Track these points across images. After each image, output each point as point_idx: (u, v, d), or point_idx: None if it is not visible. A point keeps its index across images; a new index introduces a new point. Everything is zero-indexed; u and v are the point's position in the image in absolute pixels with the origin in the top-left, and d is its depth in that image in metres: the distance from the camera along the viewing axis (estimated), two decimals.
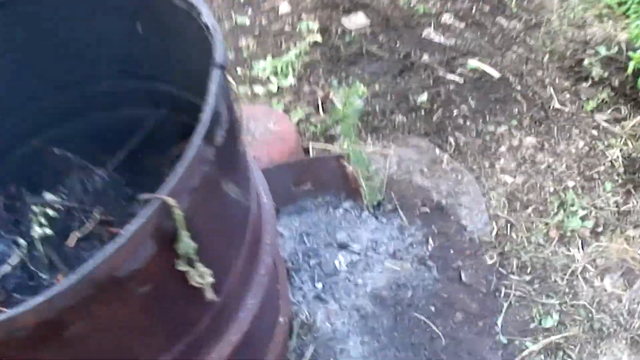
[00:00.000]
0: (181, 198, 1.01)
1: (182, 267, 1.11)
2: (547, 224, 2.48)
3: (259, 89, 3.08)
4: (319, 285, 2.25)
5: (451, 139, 2.78)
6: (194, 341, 1.32)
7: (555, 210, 2.51)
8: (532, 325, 2.24)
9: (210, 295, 1.21)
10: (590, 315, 2.24)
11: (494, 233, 2.49)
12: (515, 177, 2.65)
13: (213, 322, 1.34)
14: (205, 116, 1.03)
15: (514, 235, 2.48)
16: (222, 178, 1.20)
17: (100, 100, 1.81)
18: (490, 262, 2.40)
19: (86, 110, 1.83)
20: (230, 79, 2.97)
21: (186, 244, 1.05)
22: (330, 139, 2.81)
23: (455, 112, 2.84)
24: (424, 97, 2.88)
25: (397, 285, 2.20)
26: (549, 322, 2.24)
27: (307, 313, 2.16)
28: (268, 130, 2.39)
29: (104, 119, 1.86)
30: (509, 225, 2.51)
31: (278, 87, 3.08)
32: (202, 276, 1.17)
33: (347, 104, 2.42)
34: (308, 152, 2.78)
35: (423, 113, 2.86)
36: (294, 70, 3.11)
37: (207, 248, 1.20)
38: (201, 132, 1.02)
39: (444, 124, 2.82)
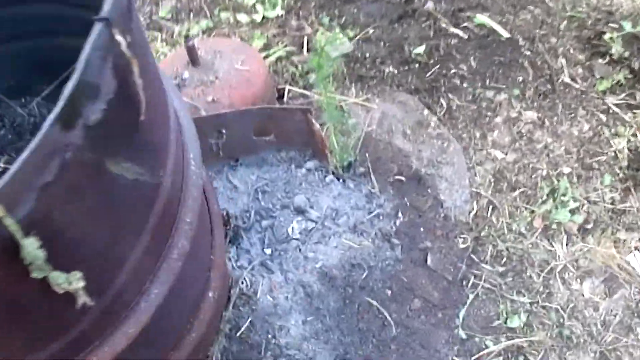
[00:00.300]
0: (22, 199, 0.76)
1: (38, 274, 0.87)
2: (532, 211, 2.23)
3: (242, 18, 2.76)
4: (268, 251, 2.02)
5: (443, 101, 2.49)
6: (74, 340, 1.11)
7: (545, 197, 2.25)
8: (496, 323, 2.04)
9: (82, 299, 0.98)
10: (561, 320, 2.04)
11: (472, 214, 2.25)
12: (507, 153, 2.38)
13: (97, 321, 1.12)
14: (66, 92, 0.77)
15: (494, 219, 2.24)
16: (109, 158, 0.94)
17: (28, 26, 1.53)
18: (462, 246, 2.17)
19: (14, 36, 1.56)
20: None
21: (31, 254, 0.81)
22: (311, 84, 2.52)
23: (452, 70, 2.54)
24: (420, 49, 2.57)
25: (350, 265, 1.98)
26: (515, 322, 2.04)
27: (248, 281, 1.95)
28: (234, 69, 2.10)
29: (38, 46, 1.59)
30: (490, 207, 2.27)
31: (263, 18, 2.76)
32: (67, 281, 0.94)
33: (326, 48, 2.11)
34: (283, 95, 2.50)
35: (417, 67, 2.56)
36: (283, 0, 2.78)
37: (81, 246, 0.97)
38: (55, 113, 0.75)
39: (439, 82, 2.53)
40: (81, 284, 0.96)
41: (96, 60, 0.81)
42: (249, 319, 1.92)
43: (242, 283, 1.94)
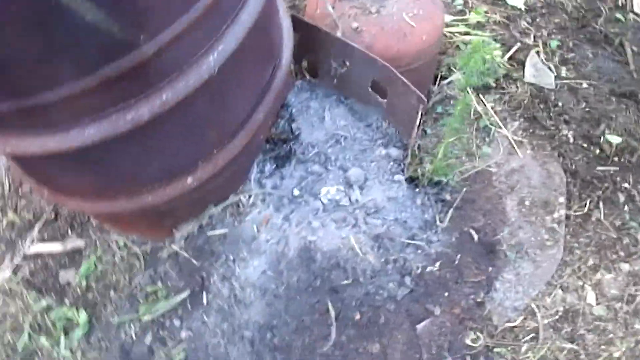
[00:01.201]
0: None
1: None
2: None
3: None
4: (296, 193, 1.88)
5: (589, 204, 2.07)
6: None
7: None
8: None
9: None
10: None
11: (509, 325, 1.91)
12: (600, 304, 1.95)
13: None
14: None
15: (524, 348, 1.88)
16: None
17: None
18: (467, 341, 1.86)
19: None
20: None
21: None
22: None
23: (627, 184, 2.08)
24: (616, 139, 2.12)
25: (337, 265, 1.77)
26: None
27: (251, 201, 1.84)
28: (400, 16, 1.86)
29: None
30: (532, 335, 1.90)
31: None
32: None
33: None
34: (446, 77, 2.23)
35: (596, 152, 2.13)
36: None
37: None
38: None
39: (603, 183, 2.09)
40: None
41: None
42: (225, 231, 1.83)
43: (245, 198, 1.84)
